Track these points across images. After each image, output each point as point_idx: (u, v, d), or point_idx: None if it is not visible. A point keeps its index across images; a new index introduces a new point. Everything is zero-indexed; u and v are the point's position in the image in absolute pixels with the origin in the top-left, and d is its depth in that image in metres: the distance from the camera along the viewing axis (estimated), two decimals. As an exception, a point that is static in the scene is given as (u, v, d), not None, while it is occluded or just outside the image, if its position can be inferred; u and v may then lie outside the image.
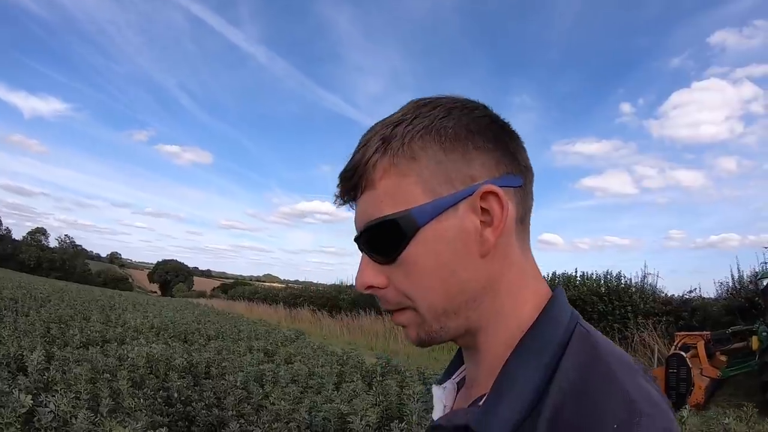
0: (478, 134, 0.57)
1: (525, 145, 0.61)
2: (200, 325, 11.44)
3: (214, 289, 59.46)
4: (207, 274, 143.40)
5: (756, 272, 9.61)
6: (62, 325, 7.62)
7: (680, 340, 7.31)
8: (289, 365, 6.31)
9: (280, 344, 9.35)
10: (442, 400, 0.67)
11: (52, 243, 71.41)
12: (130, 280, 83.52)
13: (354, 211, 0.61)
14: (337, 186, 0.61)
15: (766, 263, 9.41)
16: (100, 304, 14.65)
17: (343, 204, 0.62)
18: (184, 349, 6.82)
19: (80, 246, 78.13)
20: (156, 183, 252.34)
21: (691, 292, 11.37)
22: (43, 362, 4.09)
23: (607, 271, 12.98)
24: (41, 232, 70.38)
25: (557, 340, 0.53)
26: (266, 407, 4.17)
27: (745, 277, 10.59)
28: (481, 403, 0.54)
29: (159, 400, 3.98)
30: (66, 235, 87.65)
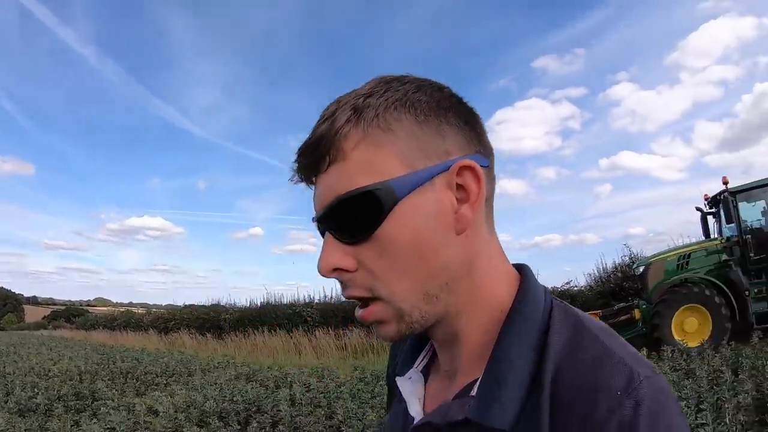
0: (449, 111, 0.55)
1: None
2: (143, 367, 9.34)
3: (44, 318, 52.41)
4: (33, 300, 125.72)
5: (622, 263, 12.65)
6: None
7: None
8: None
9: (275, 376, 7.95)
10: (413, 393, 0.62)
11: None
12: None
13: (315, 188, 0.57)
14: (296, 160, 0.57)
15: (630, 256, 12.52)
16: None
17: (302, 181, 0.58)
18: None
19: None
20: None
21: (568, 283, 13.42)
22: None
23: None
24: None
25: (540, 317, 0.53)
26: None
27: (608, 267, 13.15)
28: (473, 392, 0.53)
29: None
30: None
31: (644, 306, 8.58)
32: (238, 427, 4.77)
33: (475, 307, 0.55)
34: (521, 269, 0.59)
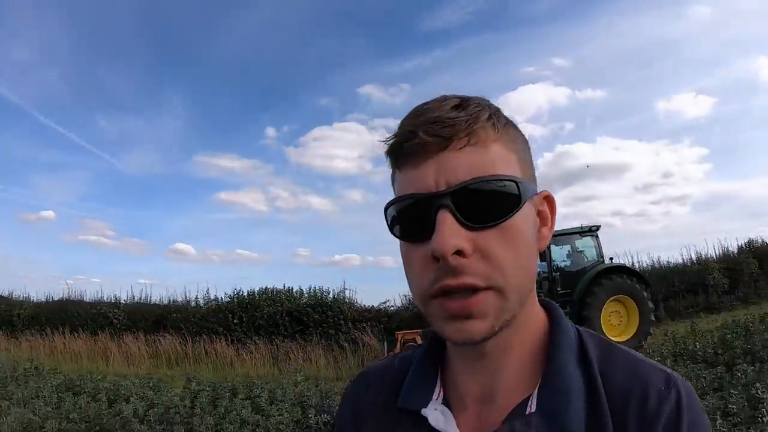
0: (527, 143, 0.61)
1: None
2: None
3: None
4: None
5: None
6: None
7: (402, 336, 9.44)
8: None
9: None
10: (450, 424, 0.59)
11: None
12: None
13: (428, 163, 0.53)
14: (411, 132, 0.53)
15: None
16: None
17: (403, 153, 0.55)
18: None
19: None
20: None
21: (385, 302, 14.28)
22: None
23: (311, 286, 14.89)
24: None
25: (574, 336, 0.60)
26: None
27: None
28: (529, 410, 0.54)
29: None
30: None
31: None
32: None
33: (528, 323, 0.59)
34: (548, 302, 0.65)
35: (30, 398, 6.28)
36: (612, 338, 9.08)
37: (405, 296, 14.28)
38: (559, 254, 9.87)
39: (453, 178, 0.52)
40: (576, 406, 0.53)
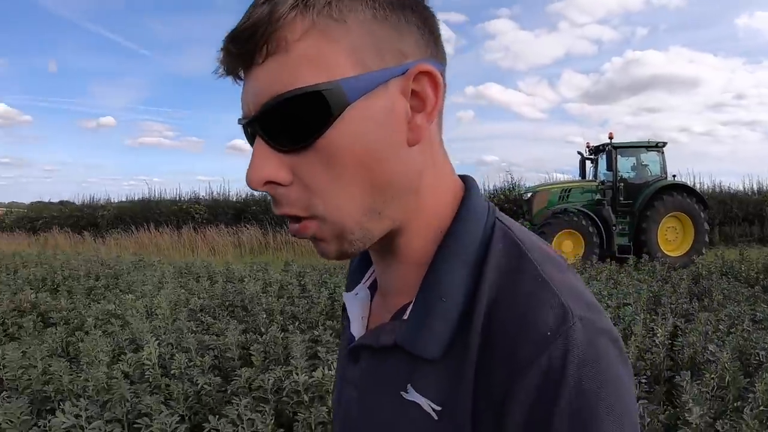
0: (408, 9, 0.48)
1: None
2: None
3: None
4: None
5: (503, 187, 15.02)
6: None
7: None
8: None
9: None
10: (359, 311, 0.59)
11: None
12: None
13: (244, 83, 0.48)
14: (223, 48, 0.47)
15: (511, 182, 15.06)
16: None
17: (228, 74, 0.48)
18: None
19: None
20: None
21: None
22: None
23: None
24: None
25: (478, 238, 0.49)
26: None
27: (491, 189, 15.10)
28: (406, 316, 0.50)
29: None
30: None
31: (528, 226, 10.37)
32: (267, 317, 4.74)
33: (419, 224, 0.51)
34: (466, 182, 0.54)
35: (154, 284, 6.66)
36: (666, 252, 9.88)
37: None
38: (625, 165, 10.26)
39: (255, 100, 0.46)
40: (438, 326, 0.46)
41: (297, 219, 0.48)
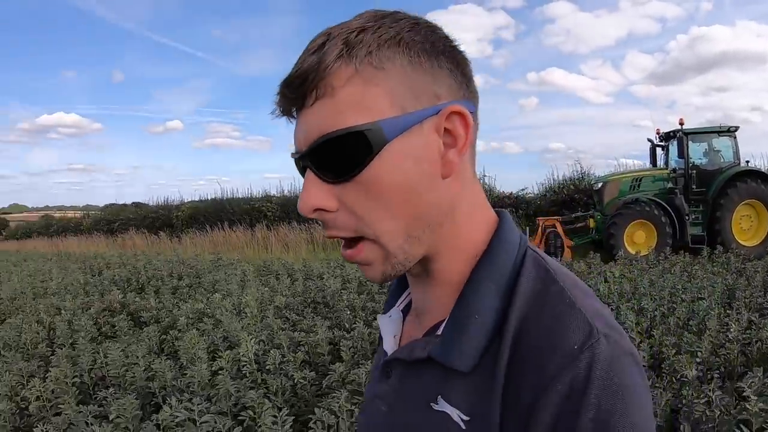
0: (442, 54, 0.53)
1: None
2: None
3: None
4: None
5: (573, 177, 14.38)
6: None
7: (543, 222, 10.30)
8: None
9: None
10: (391, 330, 0.64)
11: None
12: None
13: (297, 123, 0.53)
14: (279, 92, 0.53)
15: (581, 171, 14.33)
16: None
17: (283, 114, 0.54)
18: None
19: None
20: None
21: (523, 190, 14.88)
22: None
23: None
24: None
25: (510, 264, 0.53)
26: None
27: (560, 179, 14.67)
28: (439, 332, 0.54)
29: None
30: None
31: (599, 216, 10.30)
32: (351, 312, 4.97)
33: (455, 249, 0.55)
34: (500, 215, 0.59)
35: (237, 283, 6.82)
36: (741, 242, 9.63)
37: (542, 184, 14.95)
38: (696, 152, 9.94)
39: (305, 138, 0.51)
40: (471, 341, 0.50)
41: (348, 244, 0.54)
